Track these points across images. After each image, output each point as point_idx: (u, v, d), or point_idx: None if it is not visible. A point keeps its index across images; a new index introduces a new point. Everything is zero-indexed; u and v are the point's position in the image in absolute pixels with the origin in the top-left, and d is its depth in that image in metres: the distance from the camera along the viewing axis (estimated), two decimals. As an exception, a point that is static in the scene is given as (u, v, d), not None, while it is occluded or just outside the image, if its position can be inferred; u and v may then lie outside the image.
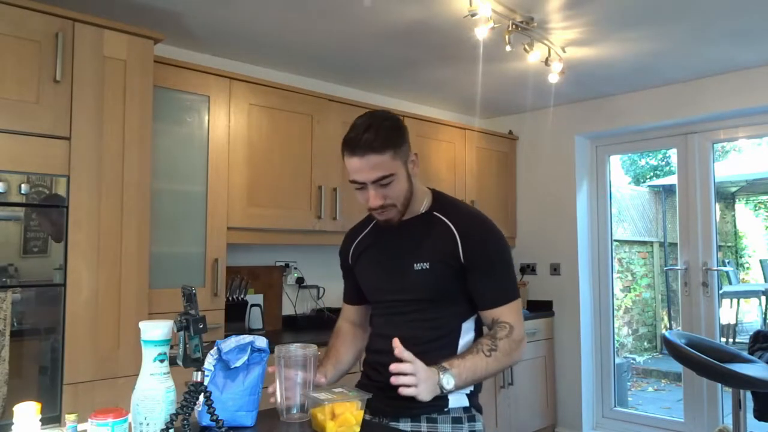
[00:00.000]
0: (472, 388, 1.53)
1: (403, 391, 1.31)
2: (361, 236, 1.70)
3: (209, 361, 1.41)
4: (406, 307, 1.55)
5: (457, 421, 1.49)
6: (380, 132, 1.43)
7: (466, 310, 1.55)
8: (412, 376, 1.30)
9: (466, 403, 1.52)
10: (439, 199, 1.61)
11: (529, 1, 2.59)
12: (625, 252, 7.21)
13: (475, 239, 1.50)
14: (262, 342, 1.44)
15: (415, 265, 1.51)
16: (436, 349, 1.48)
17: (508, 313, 1.49)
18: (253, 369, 1.43)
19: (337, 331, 1.78)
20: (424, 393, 1.32)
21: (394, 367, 1.31)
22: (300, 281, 3.53)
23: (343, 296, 1.81)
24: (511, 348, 1.46)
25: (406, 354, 1.32)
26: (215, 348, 1.42)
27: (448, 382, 1.35)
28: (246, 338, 1.43)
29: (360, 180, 1.46)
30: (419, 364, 1.33)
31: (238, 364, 1.40)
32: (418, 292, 1.52)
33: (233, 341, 1.42)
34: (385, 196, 1.47)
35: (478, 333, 1.58)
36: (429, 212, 1.57)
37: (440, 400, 1.45)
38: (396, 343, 1.33)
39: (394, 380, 1.31)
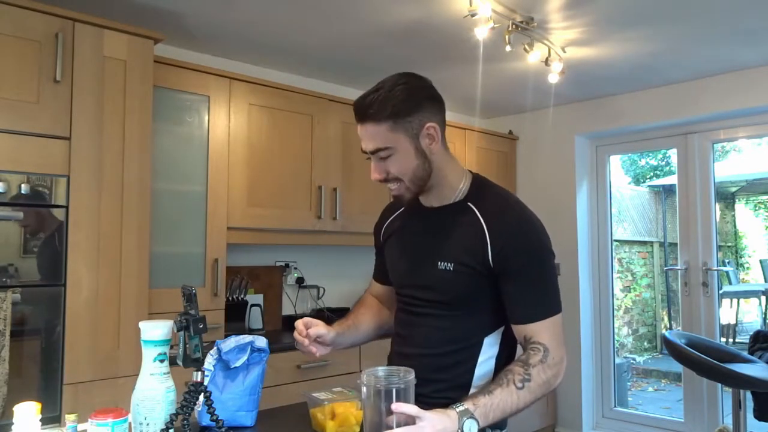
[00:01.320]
0: None
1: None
2: (393, 215, 1.55)
3: (209, 361, 1.42)
4: (423, 308, 1.40)
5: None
6: (383, 98, 1.29)
7: (492, 322, 1.36)
8: (416, 429, 1.08)
9: None
10: (478, 186, 1.41)
11: (529, 1, 2.59)
12: (625, 252, 7.21)
13: (508, 240, 1.30)
14: (261, 342, 1.45)
15: (439, 263, 1.35)
16: (450, 365, 1.35)
17: (544, 332, 1.30)
18: (253, 369, 1.43)
19: (362, 300, 1.64)
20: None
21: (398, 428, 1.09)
22: (300, 281, 3.53)
23: (374, 272, 1.66)
24: (547, 376, 1.28)
25: (405, 408, 1.10)
26: (215, 348, 1.42)
27: (470, 428, 1.13)
28: (246, 338, 1.43)
29: (363, 148, 1.34)
30: (426, 420, 1.10)
31: (238, 364, 1.41)
32: (437, 293, 1.36)
33: (233, 341, 1.43)
34: (386, 171, 1.33)
35: (503, 349, 1.39)
36: (463, 201, 1.38)
37: None
38: (395, 407, 1.10)
39: None
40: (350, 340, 1.52)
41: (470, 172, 1.45)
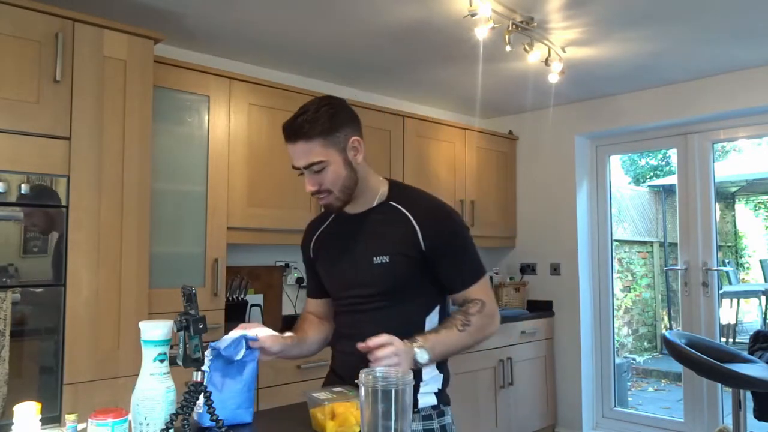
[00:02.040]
0: (439, 386, 1.53)
1: (384, 362, 1.28)
2: (321, 229, 1.68)
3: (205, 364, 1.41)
4: (367, 304, 1.52)
5: (427, 418, 1.49)
6: (311, 118, 1.44)
7: (430, 303, 1.53)
8: (391, 346, 1.30)
9: (434, 401, 1.51)
10: (396, 189, 1.59)
11: (529, 1, 2.59)
12: (625, 252, 7.21)
13: (434, 227, 1.49)
14: (253, 332, 1.44)
15: (374, 259, 1.49)
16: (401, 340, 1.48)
17: (478, 290, 1.50)
18: (247, 365, 1.42)
19: (303, 318, 1.75)
20: (404, 365, 1.31)
21: (373, 342, 1.30)
22: (300, 281, 3.53)
23: (307, 291, 1.79)
24: (484, 323, 1.48)
25: (377, 339, 1.31)
26: (209, 349, 1.41)
27: (422, 356, 1.36)
28: (235, 333, 1.43)
29: (294, 165, 1.49)
30: (395, 338, 1.33)
31: (240, 356, 1.39)
32: (378, 286, 1.50)
33: (226, 338, 1.42)
34: (319, 183, 1.48)
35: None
36: (386, 202, 1.55)
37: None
38: (360, 345, 1.32)
39: (375, 354, 1.29)
40: (296, 352, 1.60)
41: (386, 178, 1.61)
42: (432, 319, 1.53)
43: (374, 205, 1.55)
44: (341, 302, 1.61)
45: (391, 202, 1.54)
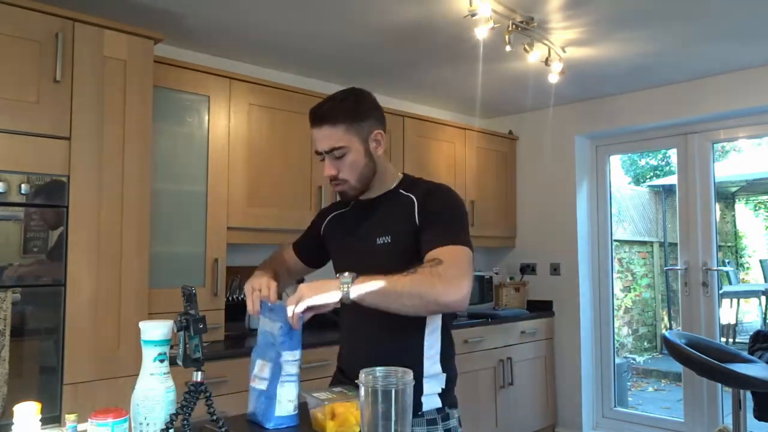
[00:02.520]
0: (443, 386, 1.50)
1: (296, 310, 1.31)
2: (336, 212, 1.72)
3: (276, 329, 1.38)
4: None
5: (431, 423, 1.47)
6: (338, 105, 1.49)
7: None
8: (297, 293, 1.33)
9: (438, 403, 1.49)
10: (408, 179, 1.63)
11: (529, 1, 2.59)
12: (625, 252, 7.21)
13: (428, 199, 1.50)
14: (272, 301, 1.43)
15: (377, 239, 1.52)
16: (398, 328, 1.46)
17: (445, 253, 1.37)
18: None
19: (276, 257, 1.81)
20: (312, 295, 1.32)
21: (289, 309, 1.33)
22: (300, 281, 3.52)
23: (295, 242, 1.82)
24: (432, 280, 1.31)
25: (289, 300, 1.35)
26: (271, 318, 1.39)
27: (345, 282, 1.32)
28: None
29: (317, 149, 1.51)
30: (303, 285, 1.36)
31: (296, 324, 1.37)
32: (380, 267, 1.44)
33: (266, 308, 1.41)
34: (338, 169, 1.50)
35: (445, 321, 1.55)
36: (395, 190, 1.59)
37: (413, 404, 1.43)
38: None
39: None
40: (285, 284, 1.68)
41: (402, 173, 1.64)
42: None
43: (385, 191, 1.58)
44: None
45: (400, 190, 1.58)
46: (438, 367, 1.50)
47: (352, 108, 1.50)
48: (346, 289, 1.31)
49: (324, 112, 1.49)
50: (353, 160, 1.50)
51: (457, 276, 1.33)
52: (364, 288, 1.31)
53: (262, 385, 1.36)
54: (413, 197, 1.53)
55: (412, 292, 1.30)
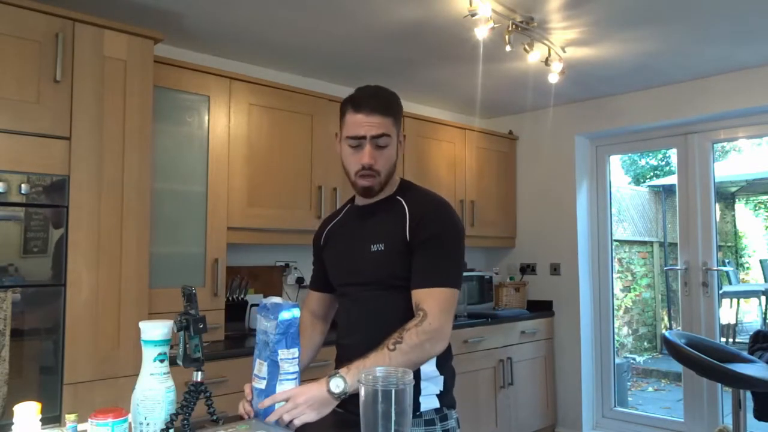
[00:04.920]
0: (441, 387, 1.50)
1: (290, 422, 1.28)
2: (333, 222, 1.72)
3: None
4: (362, 292, 1.53)
5: (429, 423, 1.46)
6: (387, 98, 1.52)
7: None
8: (291, 404, 1.29)
9: (436, 404, 1.49)
10: (405, 186, 1.62)
11: (529, 1, 2.59)
12: (625, 252, 7.21)
13: (421, 217, 1.48)
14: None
15: (372, 246, 1.50)
16: None
17: (430, 299, 1.39)
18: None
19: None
20: (311, 413, 1.29)
21: (270, 400, 1.30)
22: (300, 281, 3.53)
23: (310, 283, 1.81)
24: (421, 341, 1.34)
25: (270, 399, 1.32)
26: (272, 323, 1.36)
27: (337, 386, 1.30)
28: (271, 300, 1.38)
29: (360, 134, 1.47)
30: (293, 390, 1.32)
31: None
32: (371, 274, 1.50)
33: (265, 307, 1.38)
34: (376, 158, 1.49)
35: None
36: (392, 196, 1.58)
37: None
38: (260, 404, 1.33)
39: (273, 415, 1.29)
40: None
41: (400, 178, 1.64)
42: None
43: (382, 197, 1.57)
44: (342, 292, 1.62)
45: (397, 197, 1.57)
46: (435, 370, 1.50)
47: (399, 104, 1.56)
48: (340, 387, 1.30)
49: (381, 99, 1.50)
50: (390, 154, 1.51)
51: (440, 328, 1.38)
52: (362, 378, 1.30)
53: (261, 384, 1.36)
54: (406, 207, 1.52)
55: (408, 363, 1.32)
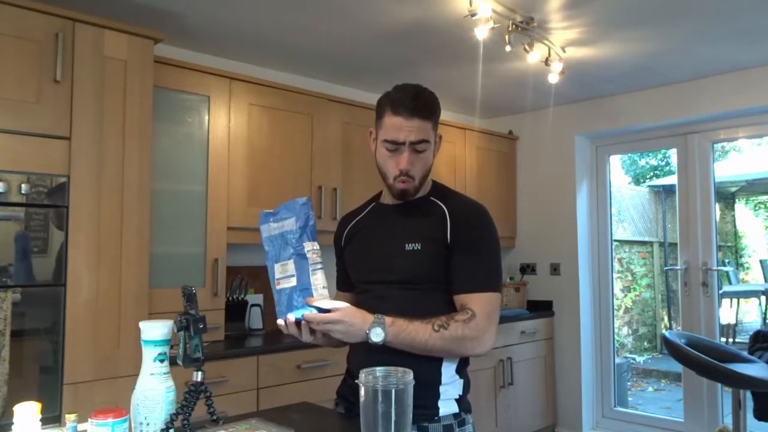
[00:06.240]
0: (460, 392, 1.48)
1: (323, 327, 1.32)
2: (356, 220, 1.68)
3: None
4: (393, 291, 1.49)
5: (448, 429, 1.44)
6: (428, 101, 1.47)
7: (452, 299, 1.48)
8: (340, 323, 1.33)
9: (455, 408, 1.46)
10: (439, 187, 1.60)
11: (529, 1, 2.59)
12: (625, 252, 7.21)
13: (462, 220, 1.47)
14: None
15: (407, 245, 1.48)
16: None
17: (476, 302, 1.41)
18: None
19: None
20: (349, 336, 1.34)
21: (319, 318, 1.32)
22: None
23: (336, 283, 1.75)
24: (465, 334, 1.37)
25: (331, 314, 1.33)
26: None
27: (377, 335, 1.33)
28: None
29: (401, 139, 1.44)
30: (341, 311, 1.34)
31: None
32: (407, 273, 1.48)
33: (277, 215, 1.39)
34: (414, 163, 1.46)
35: None
36: (426, 197, 1.55)
37: (430, 410, 1.42)
38: (308, 299, 1.34)
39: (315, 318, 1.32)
40: (333, 341, 1.54)
41: (432, 180, 1.61)
42: None
43: (414, 198, 1.54)
44: (366, 292, 1.58)
45: (431, 198, 1.55)
46: (455, 374, 1.48)
47: (438, 106, 1.51)
48: (380, 338, 1.33)
49: (423, 104, 1.45)
50: (428, 158, 1.49)
51: (487, 331, 1.40)
52: (401, 340, 1.36)
53: (292, 282, 1.36)
54: (445, 209, 1.50)
55: (442, 349, 1.38)
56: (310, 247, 1.36)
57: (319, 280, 1.35)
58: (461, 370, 1.50)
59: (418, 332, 1.36)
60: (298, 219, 1.35)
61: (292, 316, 1.36)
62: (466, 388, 1.51)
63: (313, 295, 1.35)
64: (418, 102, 1.44)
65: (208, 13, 2.71)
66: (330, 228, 3.28)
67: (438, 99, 1.52)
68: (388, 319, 1.35)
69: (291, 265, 1.36)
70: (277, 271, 1.38)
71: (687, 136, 3.96)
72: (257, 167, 3.03)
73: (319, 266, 1.36)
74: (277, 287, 1.39)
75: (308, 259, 1.35)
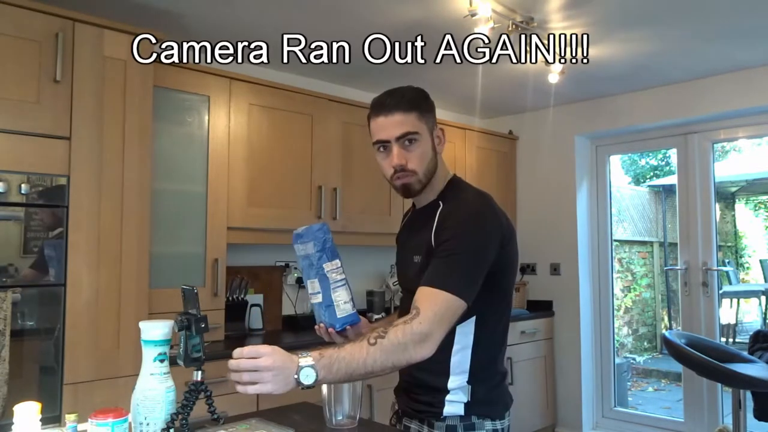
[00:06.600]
0: (468, 398, 1.41)
1: (243, 389, 1.15)
2: (403, 222, 1.69)
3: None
4: (408, 303, 1.41)
5: (451, 429, 1.40)
6: (406, 95, 1.46)
7: (465, 311, 1.36)
8: (264, 359, 1.16)
9: (461, 411, 1.40)
10: (452, 186, 1.53)
11: (529, 1, 2.59)
12: (625, 252, 7.21)
13: (447, 221, 1.41)
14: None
15: (414, 258, 1.48)
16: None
17: (425, 300, 1.28)
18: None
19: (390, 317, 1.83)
20: (274, 384, 1.15)
21: (246, 351, 1.17)
22: (300, 281, 3.53)
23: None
24: (405, 339, 1.22)
25: (250, 348, 1.18)
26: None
27: (307, 376, 1.17)
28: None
29: (384, 138, 1.44)
30: (269, 354, 1.17)
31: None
32: (416, 285, 1.38)
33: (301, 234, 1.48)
34: (406, 159, 1.43)
35: (479, 339, 1.43)
36: (435, 200, 1.50)
37: (435, 407, 1.41)
38: (235, 351, 1.19)
39: (234, 363, 1.17)
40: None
41: (454, 174, 1.57)
42: (464, 329, 1.41)
43: (429, 202, 1.52)
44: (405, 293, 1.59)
45: (439, 201, 1.50)
46: (464, 383, 1.42)
47: (423, 98, 1.48)
48: (311, 379, 1.17)
49: (397, 98, 1.44)
50: (423, 151, 1.45)
51: (429, 333, 1.25)
52: (337, 371, 1.20)
53: (319, 298, 1.46)
54: (441, 211, 1.46)
55: (385, 364, 1.22)
56: (330, 267, 1.45)
57: (340, 296, 1.46)
58: (475, 376, 1.43)
59: (353, 354, 1.20)
60: (316, 244, 1.45)
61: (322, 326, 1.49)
62: (481, 394, 1.43)
63: (335, 310, 1.44)
64: (394, 97, 1.45)
65: (208, 13, 2.71)
66: (330, 228, 3.28)
67: (424, 92, 1.51)
68: (314, 354, 1.20)
69: (317, 284, 1.46)
70: (309, 287, 1.49)
71: (687, 136, 3.96)
72: (257, 167, 3.03)
73: (340, 283, 1.46)
74: (311, 301, 1.51)
75: (329, 279, 1.45)
